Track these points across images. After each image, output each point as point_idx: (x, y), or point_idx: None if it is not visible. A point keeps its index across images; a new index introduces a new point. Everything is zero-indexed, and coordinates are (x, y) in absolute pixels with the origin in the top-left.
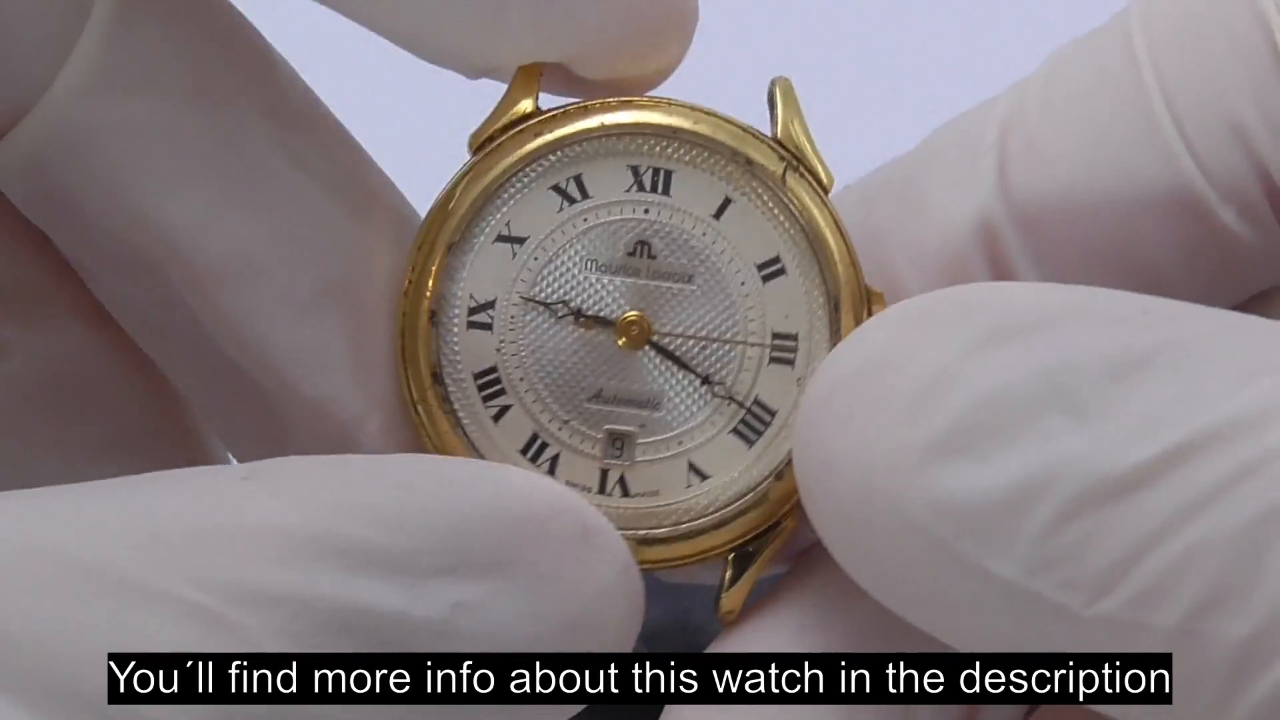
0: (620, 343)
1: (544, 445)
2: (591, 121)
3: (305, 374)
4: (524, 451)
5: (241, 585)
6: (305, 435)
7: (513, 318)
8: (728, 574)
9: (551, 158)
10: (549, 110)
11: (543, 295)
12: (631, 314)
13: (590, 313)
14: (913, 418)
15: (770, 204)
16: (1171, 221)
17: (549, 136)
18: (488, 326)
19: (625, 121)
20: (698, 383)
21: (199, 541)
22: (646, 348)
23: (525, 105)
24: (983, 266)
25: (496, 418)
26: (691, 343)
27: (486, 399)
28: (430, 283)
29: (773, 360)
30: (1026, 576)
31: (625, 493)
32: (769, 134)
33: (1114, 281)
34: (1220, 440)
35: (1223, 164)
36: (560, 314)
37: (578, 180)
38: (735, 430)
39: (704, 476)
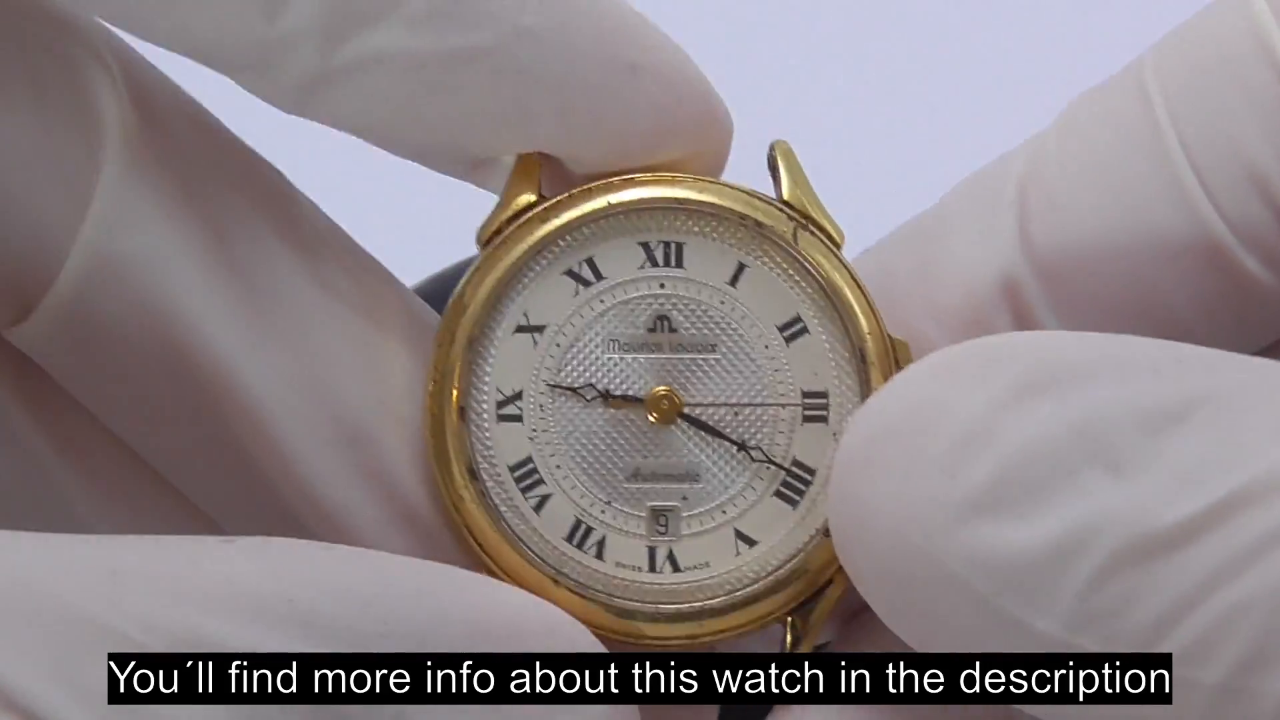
0: (652, 419)
1: (589, 530)
2: (598, 202)
3: (368, 495)
4: (569, 538)
5: (190, 635)
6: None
7: (542, 406)
8: (788, 639)
9: (561, 243)
10: (553, 197)
11: (569, 381)
12: (660, 389)
13: (619, 393)
14: (949, 473)
15: (784, 265)
16: (1195, 271)
17: (556, 222)
18: (518, 418)
19: (631, 199)
20: (734, 450)
21: (156, 587)
22: (679, 421)
23: (529, 195)
24: (1007, 321)
25: (538, 508)
26: (723, 411)
27: (525, 490)
28: (456, 379)
29: (806, 419)
30: (1069, 633)
31: (676, 568)
32: (774, 197)
33: (1137, 331)
34: (1259, 496)
35: (1244, 212)
36: (589, 397)
37: (590, 262)
38: (778, 493)
39: (752, 543)
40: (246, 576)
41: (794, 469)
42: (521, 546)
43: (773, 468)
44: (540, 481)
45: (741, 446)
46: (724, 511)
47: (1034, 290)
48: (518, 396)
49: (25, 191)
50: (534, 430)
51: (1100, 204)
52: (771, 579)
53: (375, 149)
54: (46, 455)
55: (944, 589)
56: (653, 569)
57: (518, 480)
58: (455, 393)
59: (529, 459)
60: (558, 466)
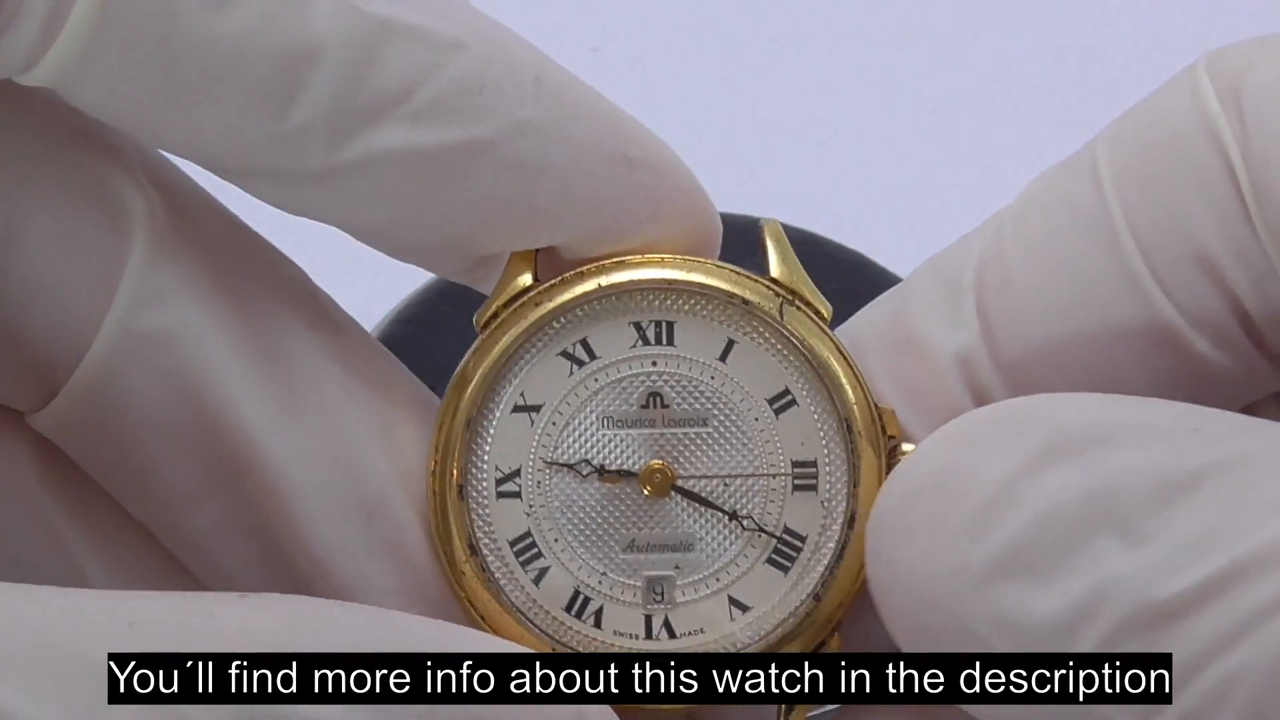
0: (646, 492)
1: (586, 600)
2: (590, 285)
3: (387, 567)
4: (568, 609)
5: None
6: None
7: (539, 483)
8: (782, 708)
9: (556, 325)
10: (547, 281)
11: (565, 458)
12: (654, 464)
13: (613, 468)
14: (973, 536)
15: (773, 340)
16: (1147, 354)
17: (551, 305)
18: (516, 494)
19: (623, 280)
20: (727, 519)
21: (173, 637)
22: (672, 493)
23: (525, 279)
24: (970, 403)
25: (537, 580)
26: (715, 482)
27: (525, 563)
28: (456, 458)
29: (796, 488)
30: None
31: (672, 634)
32: (762, 274)
33: None
34: (1258, 567)
35: (1193, 296)
36: (585, 473)
37: (584, 343)
38: (770, 560)
39: (745, 609)
40: (260, 627)
41: (785, 536)
42: (522, 617)
43: (764, 535)
44: (539, 555)
45: (734, 516)
46: (718, 579)
47: (990, 374)
48: (516, 474)
49: (53, 278)
50: (531, 505)
51: (1053, 287)
52: (764, 643)
53: None
54: (61, 522)
55: (968, 647)
56: (649, 636)
57: (517, 554)
58: (455, 471)
59: (528, 533)
60: (555, 540)
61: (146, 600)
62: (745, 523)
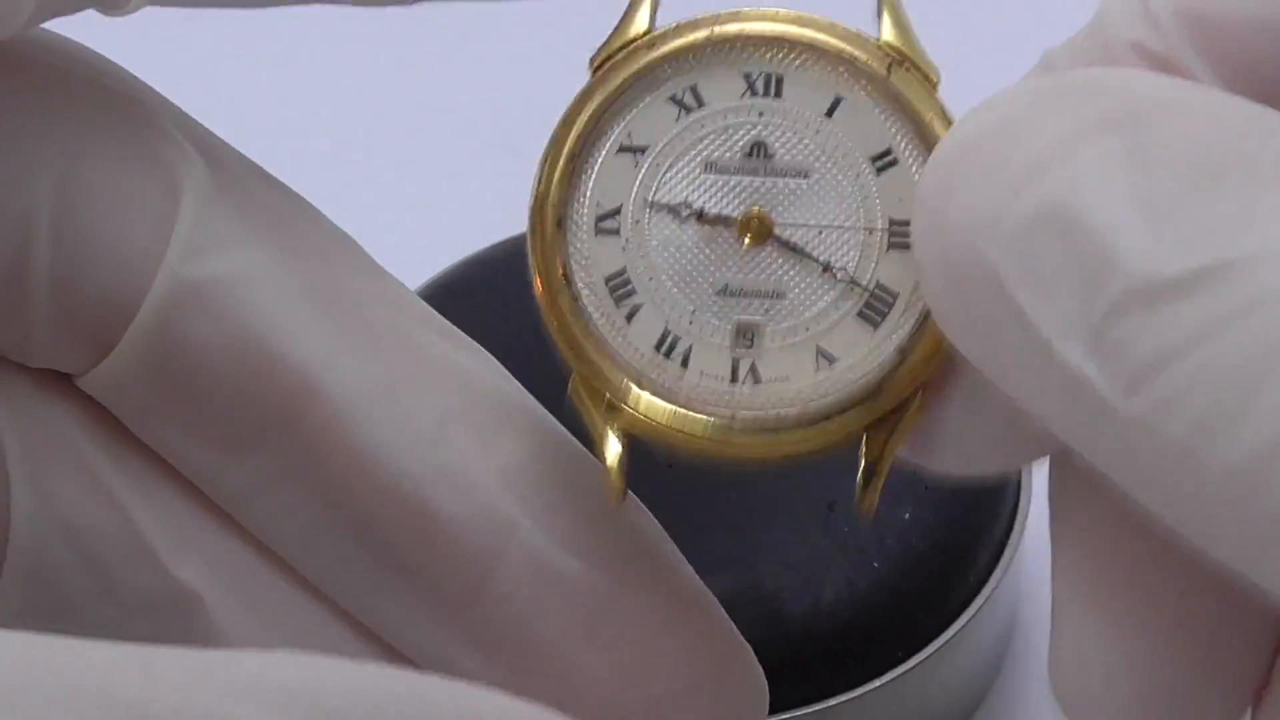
0: (743, 239)
1: (675, 340)
2: (701, 34)
3: (450, 493)
4: (658, 347)
5: (198, 709)
6: (445, 561)
7: (638, 222)
8: (863, 454)
9: (667, 70)
10: (661, 28)
11: (666, 199)
12: (753, 210)
13: (713, 212)
14: (1016, 189)
15: (880, 99)
16: None
17: (663, 50)
18: (615, 232)
19: (734, 32)
20: (820, 270)
21: (190, 677)
22: (769, 241)
23: (642, 23)
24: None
25: (629, 317)
26: (812, 232)
27: (619, 300)
28: (556, 192)
29: (891, 246)
30: (1083, 357)
31: (757, 380)
32: (875, 37)
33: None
34: (1253, 264)
35: None
36: (684, 215)
37: (693, 90)
38: (860, 314)
39: (832, 360)
40: (273, 670)
41: (878, 291)
42: (611, 349)
43: (857, 289)
44: (633, 292)
45: (827, 267)
46: (807, 329)
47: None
48: (616, 212)
49: (107, 234)
50: (628, 242)
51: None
52: (849, 395)
53: (368, 158)
54: (116, 483)
55: (995, 295)
56: (734, 379)
57: (611, 290)
58: (554, 205)
59: (623, 270)
60: (650, 279)
61: (166, 649)
62: (839, 274)
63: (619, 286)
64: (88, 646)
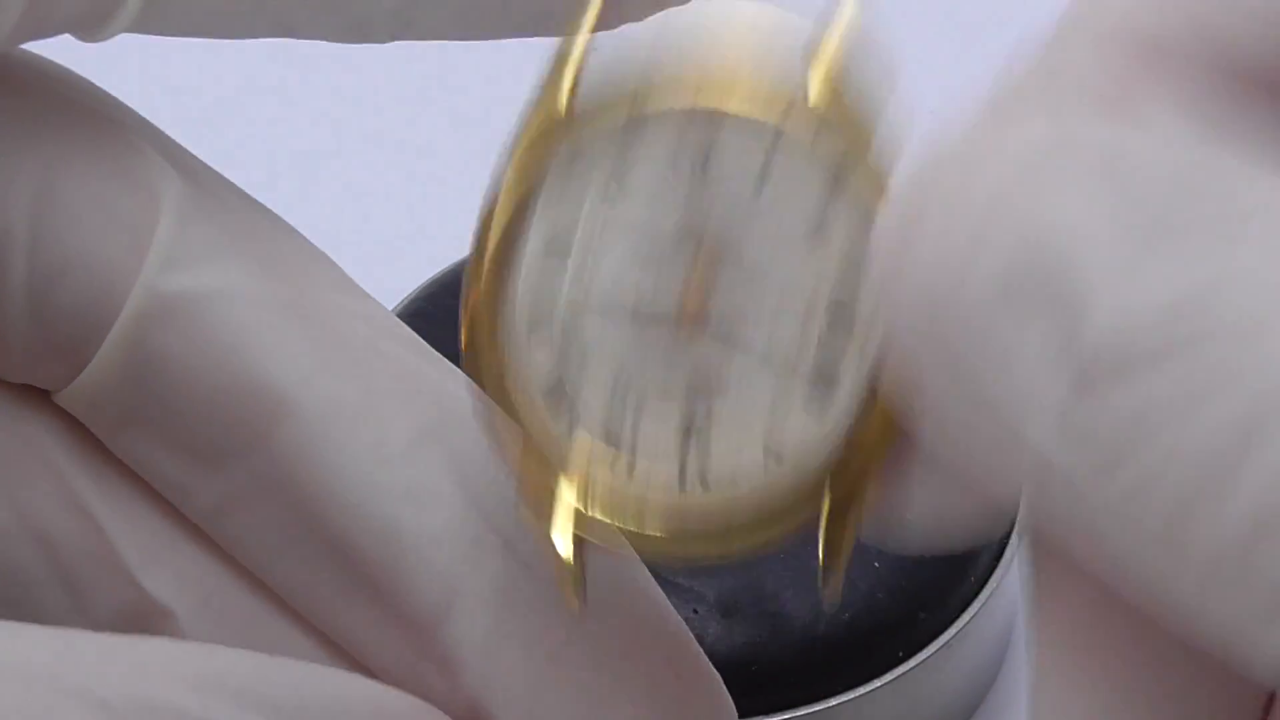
0: (680, 333)
1: (619, 447)
2: (620, 114)
3: (418, 511)
4: (600, 456)
5: (145, 695)
6: (412, 579)
7: (569, 328)
8: (821, 556)
9: (588, 153)
10: (580, 104)
11: (596, 301)
12: (688, 302)
13: (646, 311)
14: (976, 244)
15: (809, 167)
16: None
17: (580, 132)
18: (547, 340)
19: (654, 111)
20: (759, 361)
21: (109, 655)
22: (706, 335)
23: (560, 101)
24: None
25: (570, 429)
26: (750, 320)
27: (557, 411)
28: (487, 300)
29: (832, 325)
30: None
31: (706, 486)
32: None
33: None
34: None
35: None
36: (617, 315)
37: (617, 178)
38: (805, 404)
39: (780, 458)
40: (199, 658)
41: (820, 376)
42: (554, 459)
43: (798, 377)
44: (571, 403)
45: (766, 357)
46: (752, 426)
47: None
48: (548, 317)
49: (84, 247)
50: (562, 351)
51: None
52: (800, 491)
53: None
54: (92, 499)
55: (953, 371)
56: (683, 487)
57: (548, 401)
58: (487, 313)
59: (559, 379)
60: (586, 387)
61: (112, 638)
62: (779, 362)
63: (556, 396)
64: (34, 631)
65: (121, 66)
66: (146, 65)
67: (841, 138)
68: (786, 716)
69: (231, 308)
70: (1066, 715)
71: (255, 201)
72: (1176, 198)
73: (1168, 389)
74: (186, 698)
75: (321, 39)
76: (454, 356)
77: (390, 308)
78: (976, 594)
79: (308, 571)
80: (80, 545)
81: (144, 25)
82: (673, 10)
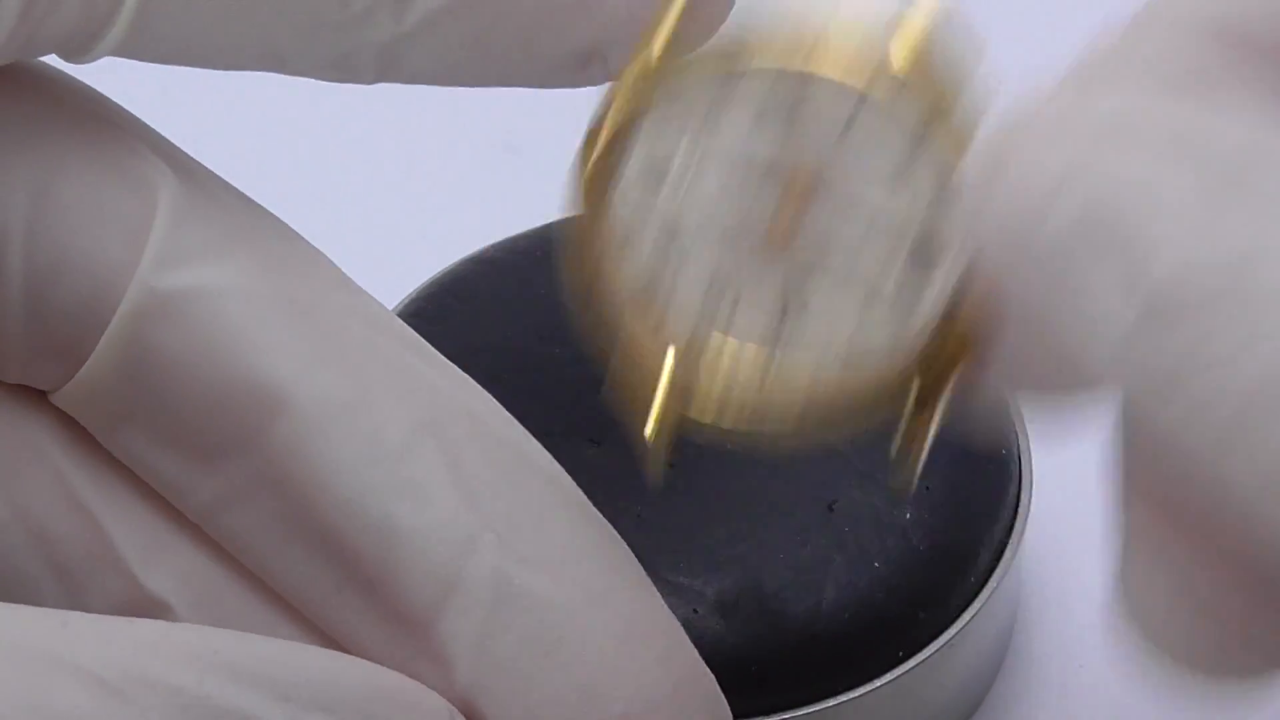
0: (791, 196)
1: (723, 290)
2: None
3: (413, 507)
4: (704, 301)
5: (140, 671)
6: (407, 575)
7: (688, 170)
8: (900, 433)
9: (689, 89)
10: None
11: (717, 147)
12: (802, 165)
13: (763, 161)
14: (1051, 196)
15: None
16: None
17: (683, 73)
18: (662, 180)
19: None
20: (864, 228)
21: (105, 634)
22: (817, 200)
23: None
24: None
25: (678, 268)
26: (859, 191)
27: (666, 252)
28: (600, 160)
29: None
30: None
31: (797, 342)
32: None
33: None
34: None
35: None
36: (736, 164)
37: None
38: (887, 319)
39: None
40: (190, 634)
41: (923, 241)
42: (660, 302)
43: (906, 238)
44: (681, 243)
45: (872, 224)
46: (854, 280)
47: None
48: (668, 159)
49: (81, 246)
50: (678, 192)
51: None
52: (895, 357)
53: (368, 157)
54: (90, 496)
55: (1055, 259)
56: (776, 340)
57: (660, 241)
58: (598, 170)
59: (675, 220)
60: (696, 229)
61: (94, 617)
62: (885, 226)
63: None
64: (32, 611)
65: (118, 67)
66: (144, 65)
67: (923, 103)
68: (786, 716)
69: (227, 305)
70: (1152, 584)
71: (251, 200)
72: (1241, 167)
73: (1223, 326)
74: (183, 675)
75: (309, 75)
76: (453, 355)
77: (390, 308)
78: (976, 594)
79: (303, 567)
80: (78, 542)
81: (129, 50)
82: None
